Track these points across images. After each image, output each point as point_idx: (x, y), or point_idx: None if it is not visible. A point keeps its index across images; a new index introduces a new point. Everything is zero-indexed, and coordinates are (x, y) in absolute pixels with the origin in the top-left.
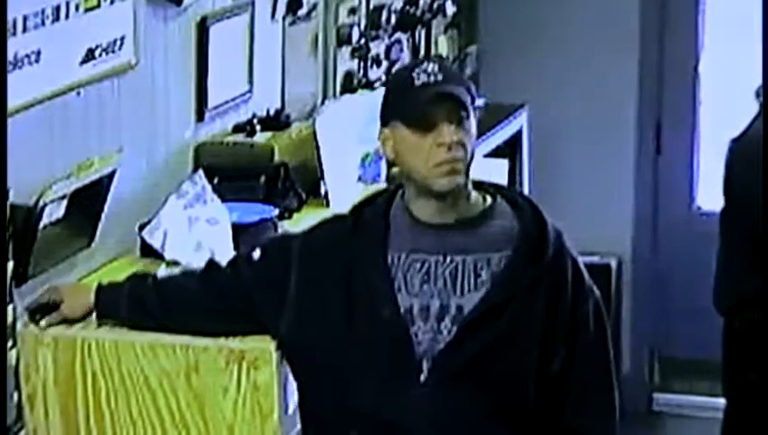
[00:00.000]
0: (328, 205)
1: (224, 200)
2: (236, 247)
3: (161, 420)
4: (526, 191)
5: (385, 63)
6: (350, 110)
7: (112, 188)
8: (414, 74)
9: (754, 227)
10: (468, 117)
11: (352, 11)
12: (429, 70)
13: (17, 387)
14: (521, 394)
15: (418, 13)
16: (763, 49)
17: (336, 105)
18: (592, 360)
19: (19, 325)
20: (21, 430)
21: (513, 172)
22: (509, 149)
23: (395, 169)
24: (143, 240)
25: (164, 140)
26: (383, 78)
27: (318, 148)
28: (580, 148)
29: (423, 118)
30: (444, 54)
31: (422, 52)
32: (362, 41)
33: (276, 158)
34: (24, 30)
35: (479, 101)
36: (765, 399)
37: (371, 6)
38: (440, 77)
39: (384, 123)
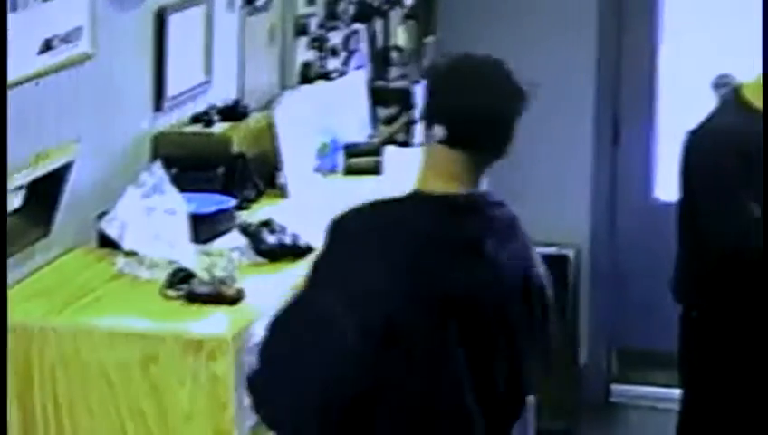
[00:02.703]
0: (286, 195)
1: (182, 191)
2: (195, 238)
3: (118, 409)
4: (484, 182)
5: (343, 54)
6: (307, 100)
7: (70, 179)
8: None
9: (703, 219)
10: None
11: (310, 1)
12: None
13: None
14: None
15: (376, 3)
16: (763, 49)
17: (294, 96)
18: None
19: None
20: None
21: None
22: None
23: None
24: (101, 230)
25: (122, 131)
26: (341, 68)
27: (276, 138)
28: (538, 139)
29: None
30: (402, 45)
31: (380, 42)
32: (320, 31)
33: (234, 148)
34: None
35: None
36: (722, 389)
37: None
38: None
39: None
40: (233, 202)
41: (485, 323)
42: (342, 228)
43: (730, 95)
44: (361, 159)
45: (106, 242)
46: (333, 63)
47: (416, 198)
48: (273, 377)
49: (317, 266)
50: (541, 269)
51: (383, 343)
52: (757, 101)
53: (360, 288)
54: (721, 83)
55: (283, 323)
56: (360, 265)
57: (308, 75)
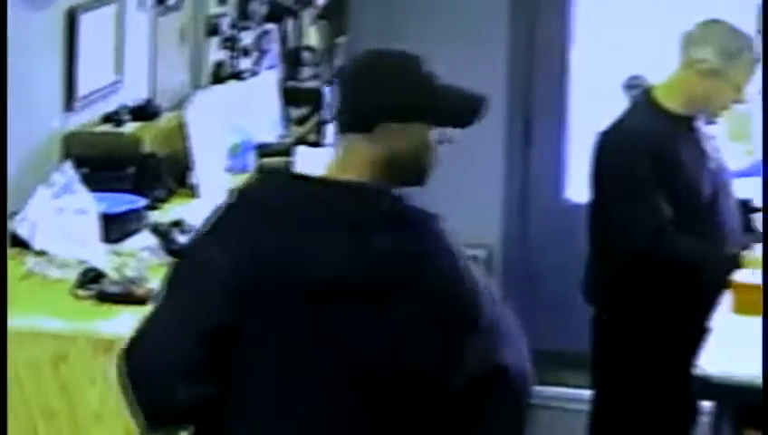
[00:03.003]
0: (197, 195)
1: (92, 190)
2: (105, 237)
3: (29, 409)
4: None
5: (255, 54)
6: (219, 100)
7: None
8: (429, 72)
9: (615, 220)
10: None
11: (222, 1)
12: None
13: None
14: None
15: (288, 3)
16: (763, 48)
17: (205, 96)
18: None
19: None
20: None
21: None
22: None
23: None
24: (11, 230)
25: (32, 130)
26: (252, 69)
27: (187, 138)
28: None
29: (462, 119)
30: (314, 45)
31: (292, 43)
32: (232, 31)
33: (145, 148)
34: None
35: None
36: (632, 391)
37: None
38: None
39: (397, 120)
40: (143, 202)
41: (353, 308)
42: (239, 191)
43: (641, 97)
44: (273, 159)
45: (17, 242)
46: (245, 63)
47: (315, 180)
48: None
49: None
50: (443, 263)
51: (243, 298)
52: (668, 103)
53: (233, 242)
54: (632, 85)
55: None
56: (237, 227)
57: (220, 75)
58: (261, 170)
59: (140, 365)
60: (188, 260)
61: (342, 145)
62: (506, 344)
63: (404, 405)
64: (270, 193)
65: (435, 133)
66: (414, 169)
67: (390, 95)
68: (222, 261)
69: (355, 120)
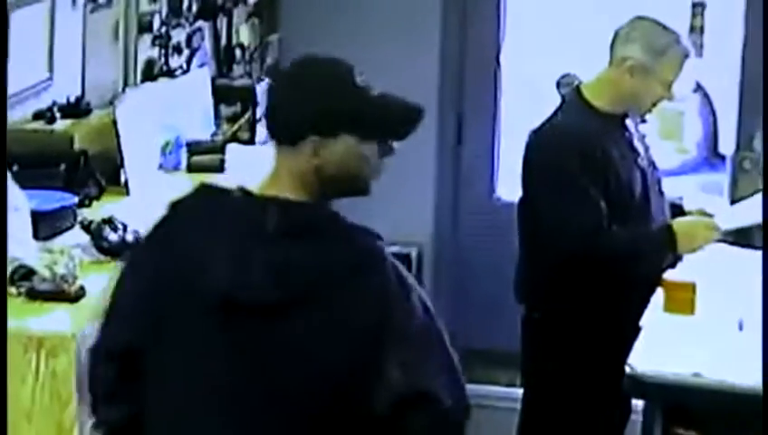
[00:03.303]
0: (128, 193)
1: (23, 188)
2: (35, 235)
3: None
4: None
5: (186, 52)
6: (150, 98)
7: None
8: (362, 83)
9: (547, 220)
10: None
11: None
12: (366, 78)
13: None
14: None
15: (220, 1)
16: (763, 48)
17: (137, 93)
18: None
19: None
20: None
21: None
22: None
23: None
24: None
25: None
26: (184, 66)
27: (118, 136)
28: None
29: (394, 133)
30: (245, 43)
31: (224, 40)
32: (163, 29)
33: (76, 145)
34: None
35: None
36: (563, 390)
37: None
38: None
39: (324, 134)
40: (74, 199)
41: (254, 321)
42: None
43: (571, 95)
44: (204, 157)
45: None
46: (177, 61)
47: (236, 193)
48: None
49: None
50: (360, 280)
51: (148, 314)
52: (597, 101)
53: (147, 255)
54: (564, 83)
55: None
56: (155, 240)
57: (151, 73)
58: (192, 168)
59: None
60: (117, 274)
61: (275, 156)
62: (439, 371)
63: (322, 426)
64: (191, 205)
65: (368, 146)
66: (347, 182)
67: (316, 107)
68: (133, 275)
69: (282, 133)
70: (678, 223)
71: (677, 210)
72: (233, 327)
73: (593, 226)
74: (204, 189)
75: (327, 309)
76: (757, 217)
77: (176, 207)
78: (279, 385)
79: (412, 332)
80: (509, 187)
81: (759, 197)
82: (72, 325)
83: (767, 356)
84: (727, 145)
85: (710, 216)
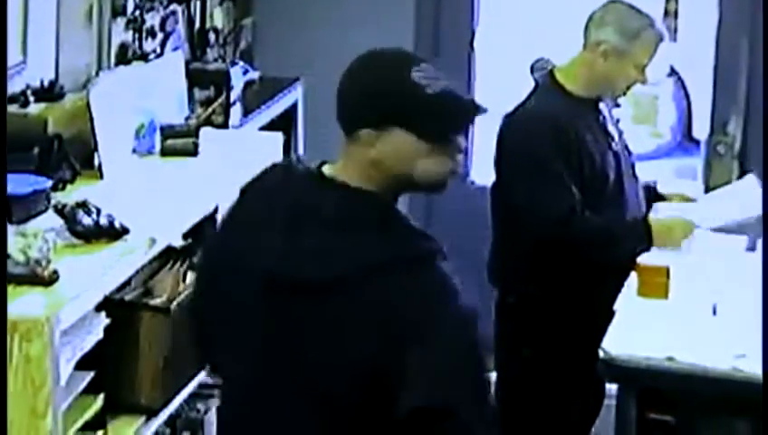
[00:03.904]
0: (102, 177)
1: None
2: (9, 218)
3: None
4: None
5: (160, 35)
6: (124, 81)
7: None
8: (419, 80)
9: (521, 203)
10: (482, 112)
11: None
12: (431, 73)
13: None
14: None
15: None
16: (763, 48)
17: (110, 77)
18: None
19: None
20: None
21: (288, 146)
22: (284, 123)
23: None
24: None
25: None
26: (158, 50)
27: (92, 119)
28: None
29: (444, 134)
30: (219, 27)
31: (197, 24)
32: (137, 12)
33: (50, 129)
34: None
35: (254, 74)
36: (537, 373)
37: None
38: (445, 83)
39: (377, 126)
40: (48, 183)
41: (296, 300)
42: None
43: (544, 79)
44: (178, 141)
45: None
46: (150, 45)
47: (300, 172)
48: None
49: None
50: (395, 277)
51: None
52: (570, 85)
53: (217, 232)
54: (538, 67)
55: None
56: (224, 217)
57: (124, 56)
58: (166, 152)
59: None
60: None
61: (344, 144)
62: (469, 394)
63: (342, 413)
64: (258, 184)
65: (425, 143)
66: (406, 177)
67: (366, 100)
68: (203, 251)
69: (342, 122)
70: (656, 220)
71: (652, 193)
72: (273, 304)
73: (566, 210)
74: (274, 168)
75: (361, 299)
76: (735, 216)
77: (248, 185)
78: (306, 367)
79: (444, 340)
80: (483, 171)
81: (735, 190)
82: (46, 309)
83: (767, 351)
84: (701, 129)
85: (691, 200)
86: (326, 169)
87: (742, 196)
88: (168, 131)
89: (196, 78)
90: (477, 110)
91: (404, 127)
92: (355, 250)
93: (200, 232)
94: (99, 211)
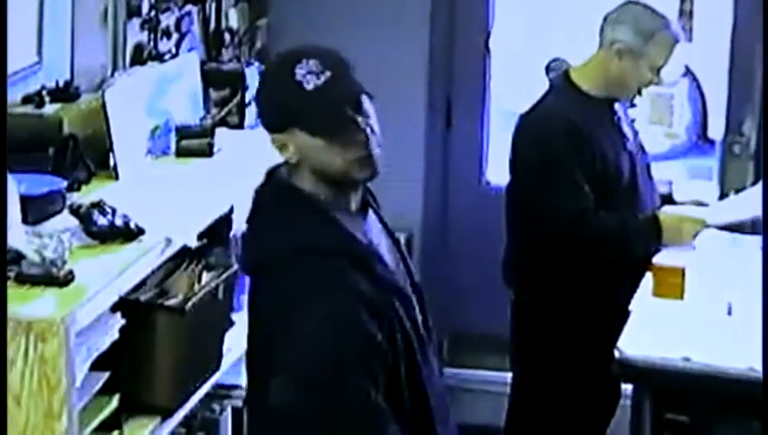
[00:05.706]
0: (117, 177)
1: (12, 171)
2: (24, 219)
3: None
4: None
5: (175, 36)
6: (139, 82)
7: None
8: (300, 77)
9: (535, 203)
10: (366, 95)
11: None
12: (313, 68)
13: None
14: None
15: None
16: (763, 48)
17: (126, 77)
18: None
19: None
20: None
21: None
22: None
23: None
24: None
25: None
26: (173, 50)
27: (107, 120)
28: None
29: (331, 127)
30: (234, 27)
31: (212, 24)
32: (152, 13)
33: (65, 129)
34: None
35: None
36: (552, 374)
37: None
38: (328, 74)
39: (277, 130)
40: (63, 183)
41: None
42: None
43: (559, 79)
44: (193, 142)
45: None
46: (166, 45)
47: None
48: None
49: None
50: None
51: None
52: (585, 85)
53: None
54: (553, 67)
55: None
56: None
57: (140, 57)
58: (181, 153)
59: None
60: None
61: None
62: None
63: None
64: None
65: (322, 140)
66: (322, 174)
67: (260, 105)
68: None
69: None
70: (666, 216)
71: (667, 199)
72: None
73: (580, 210)
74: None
75: (260, 290)
76: (745, 214)
77: None
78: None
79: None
80: (498, 171)
81: (747, 193)
82: (61, 310)
83: (767, 349)
84: (716, 130)
85: (704, 205)
86: (282, 171)
87: (753, 195)
88: (183, 132)
89: (211, 78)
90: (359, 94)
91: (298, 127)
92: (258, 244)
93: (215, 232)
94: (114, 212)
